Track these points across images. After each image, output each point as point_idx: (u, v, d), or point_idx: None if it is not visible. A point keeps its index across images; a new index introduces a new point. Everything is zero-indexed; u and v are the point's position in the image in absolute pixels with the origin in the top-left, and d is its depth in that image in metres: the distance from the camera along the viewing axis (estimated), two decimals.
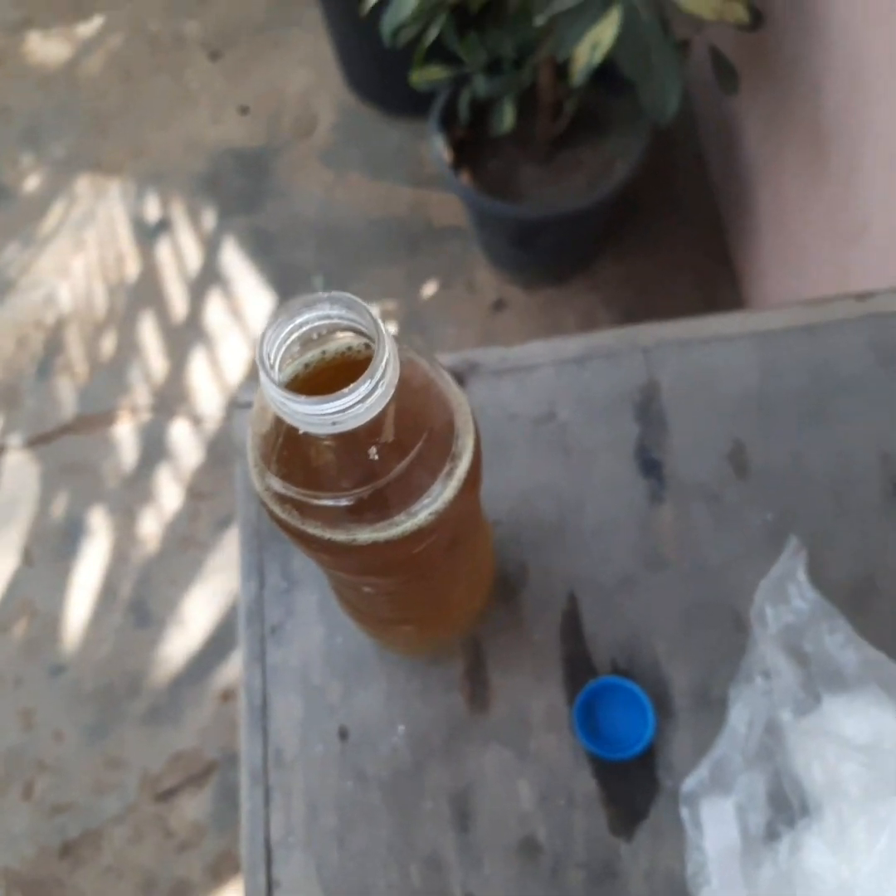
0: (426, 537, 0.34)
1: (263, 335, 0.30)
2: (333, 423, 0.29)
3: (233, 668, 1.16)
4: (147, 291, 1.38)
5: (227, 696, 1.15)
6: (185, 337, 1.35)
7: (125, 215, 1.42)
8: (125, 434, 1.29)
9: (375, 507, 0.32)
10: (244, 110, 1.48)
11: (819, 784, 0.41)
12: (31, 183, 1.47)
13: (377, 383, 0.29)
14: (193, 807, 1.10)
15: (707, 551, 0.52)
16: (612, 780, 0.47)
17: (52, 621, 1.20)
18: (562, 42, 0.93)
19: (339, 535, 0.33)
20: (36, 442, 1.30)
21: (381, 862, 0.47)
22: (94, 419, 1.30)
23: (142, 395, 1.31)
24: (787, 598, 0.44)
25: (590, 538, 0.53)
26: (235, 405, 0.59)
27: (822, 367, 0.55)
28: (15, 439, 1.31)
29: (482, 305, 1.35)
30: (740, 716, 0.44)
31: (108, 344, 1.34)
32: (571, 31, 0.91)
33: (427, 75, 1.16)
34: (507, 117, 1.14)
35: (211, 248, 1.39)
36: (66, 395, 1.32)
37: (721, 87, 1.08)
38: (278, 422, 0.31)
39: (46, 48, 1.60)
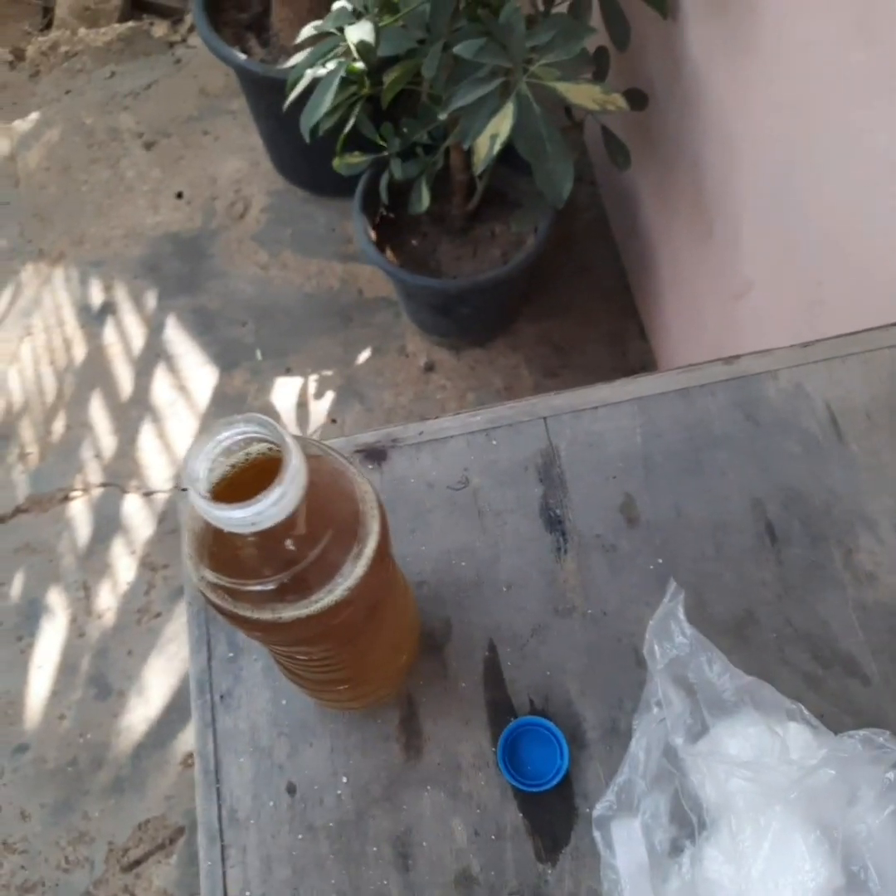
0: (343, 610, 0.40)
1: (188, 453, 0.36)
2: (252, 524, 0.35)
3: (192, 735, 1.19)
4: (94, 372, 1.42)
5: (190, 761, 1.18)
6: (132, 414, 1.40)
7: (70, 301, 1.48)
8: (78, 511, 1.33)
9: (295, 589, 0.38)
10: (179, 196, 1.56)
11: (712, 800, 0.47)
12: None
13: (287, 488, 0.35)
14: (162, 875, 1.12)
15: (607, 596, 0.58)
16: (536, 812, 0.53)
17: (12, 701, 1.22)
18: (465, 133, 1.02)
19: (266, 615, 0.39)
20: None
21: None
22: (47, 499, 1.34)
23: (93, 473, 1.35)
24: (671, 635, 0.51)
25: (504, 591, 0.59)
26: (181, 488, 0.65)
27: (697, 426, 0.63)
28: None
29: (414, 369, 1.43)
30: (640, 743, 0.50)
31: (59, 425, 1.38)
32: (473, 124, 1.01)
33: (348, 161, 1.26)
34: (423, 197, 1.23)
35: (154, 329, 1.45)
36: (19, 478, 1.35)
37: (614, 163, 1.19)
38: (207, 523, 0.37)
39: None
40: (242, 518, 0.35)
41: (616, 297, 1.45)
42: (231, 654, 0.59)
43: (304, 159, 1.51)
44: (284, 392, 1.41)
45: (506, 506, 0.62)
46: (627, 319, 1.43)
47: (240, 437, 0.38)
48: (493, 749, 0.55)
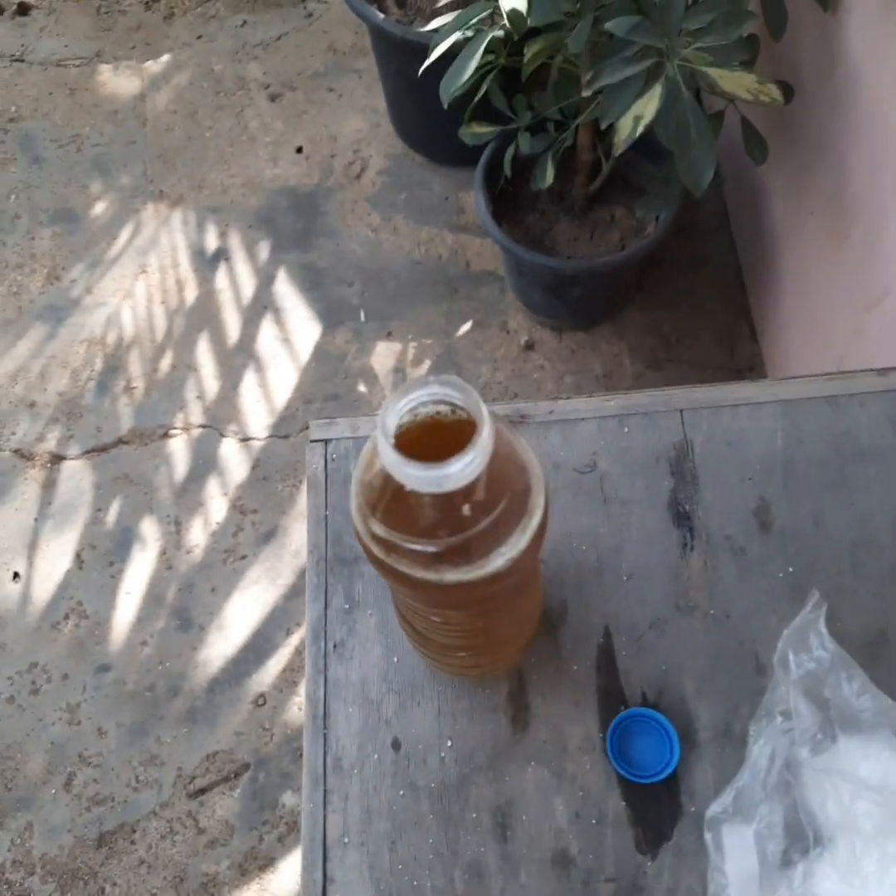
0: (502, 580, 0.40)
1: (386, 407, 0.37)
2: (438, 485, 0.36)
3: (267, 675, 1.23)
4: (203, 316, 1.46)
5: (261, 701, 1.22)
6: (236, 360, 1.43)
7: (185, 244, 1.51)
8: (177, 448, 1.37)
9: (463, 553, 0.39)
10: (299, 151, 1.57)
11: (833, 818, 0.46)
12: (99, 209, 1.56)
13: (476, 455, 0.35)
14: (224, 806, 1.16)
15: (732, 598, 0.57)
16: (640, 803, 0.53)
17: (99, 623, 1.27)
18: (606, 113, 1.00)
19: (430, 575, 0.39)
20: (92, 452, 1.38)
21: (428, 866, 0.52)
22: (149, 433, 1.38)
23: (194, 414, 1.39)
24: (809, 647, 0.50)
25: (625, 581, 0.59)
26: (312, 440, 0.66)
27: (843, 437, 0.61)
28: (73, 449, 1.38)
29: (514, 346, 1.42)
30: (762, 751, 0.49)
31: (165, 363, 1.42)
32: (616, 103, 0.98)
33: (475, 131, 1.25)
34: (547, 174, 1.21)
35: (264, 279, 1.47)
36: (124, 410, 1.40)
37: (751, 156, 1.15)
38: (386, 476, 0.37)
39: (116, 81, 1.69)
40: (431, 477, 0.35)
41: (730, 295, 1.41)
42: (347, 606, 0.60)
43: (426, 124, 1.51)
44: (384, 355, 1.42)
45: (633, 495, 0.61)
46: (739, 318, 1.39)
47: (431, 398, 0.38)
48: (601, 735, 0.55)
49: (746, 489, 0.61)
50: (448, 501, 0.37)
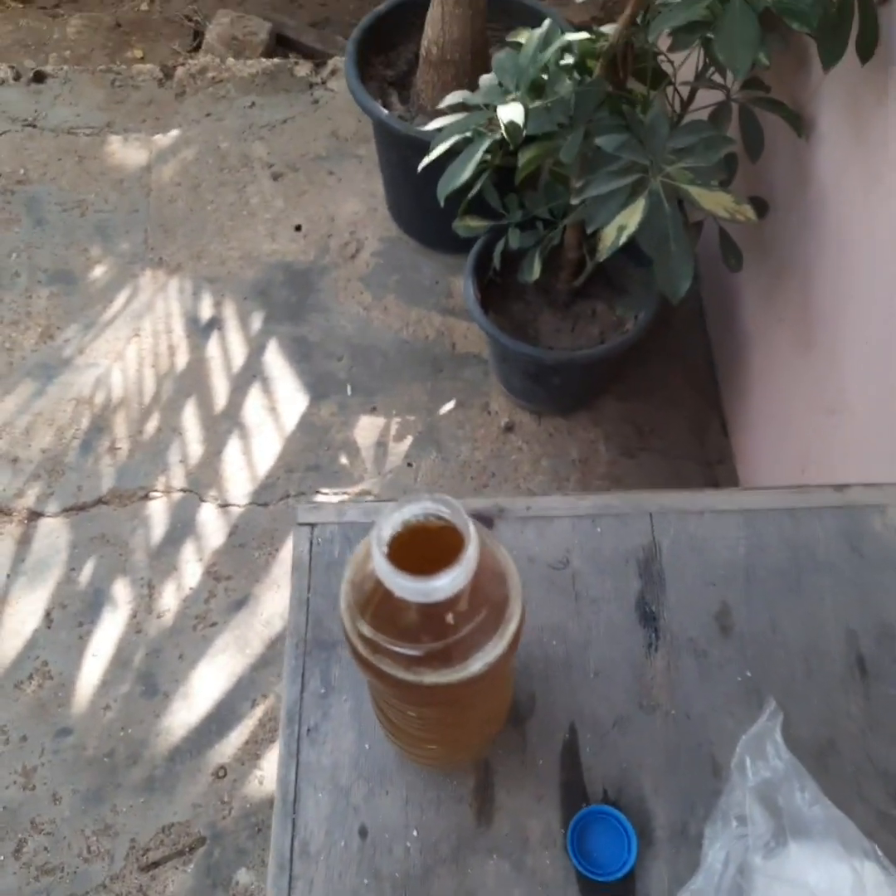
0: (479, 682, 0.43)
1: (382, 520, 0.40)
2: (425, 596, 0.39)
3: (230, 747, 1.21)
4: (192, 382, 1.49)
5: (222, 772, 1.20)
6: (222, 427, 1.45)
7: (180, 311, 1.55)
8: (156, 511, 1.38)
9: (444, 658, 0.41)
10: (298, 229, 1.63)
11: None
12: (97, 272, 1.60)
13: (462, 570, 0.38)
14: (176, 881, 1.13)
15: (692, 699, 0.60)
16: None
17: (63, 684, 1.26)
18: (592, 219, 1.06)
19: (410, 676, 0.42)
20: (71, 511, 1.38)
21: None
22: (129, 494, 1.39)
23: (176, 477, 1.41)
24: (765, 755, 0.52)
25: (592, 678, 0.61)
26: (299, 523, 0.68)
27: (802, 548, 0.65)
28: (52, 506, 1.39)
29: (494, 427, 1.46)
30: (717, 855, 0.51)
31: (151, 426, 1.44)
32: (602, 212, 1.05)
33: (468, 224, 1.31)
34: (535, 269, 1.27)
35: (255, 350, 1.51)
36: (106, 470, 1.41)
37: (726, 264, 1.23)
38: (376, 581, 0.40)
39: (124, 151, 1.76)
40: (420, 589, 0.38)
41: (703, 389, 1.47)
42: (323, 691, 0.62)
43: (420, 212, 1.58)
44: (367, 429, 1.46)
45: (603, 593, 0.64)
46: (711, 412, 1.45)
47: (423, 512, 0.41)
48: (562, 830, 0.56)
49: (709, 593, 0.63)
50: (433, 609, 0.39)
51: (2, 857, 1.15)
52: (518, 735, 0.59)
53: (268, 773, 1.20)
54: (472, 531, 0.39)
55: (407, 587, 0.38)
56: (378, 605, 0.41)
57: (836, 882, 0.48)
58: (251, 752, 1.22)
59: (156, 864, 1.15)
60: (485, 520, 0.69)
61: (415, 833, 0.57)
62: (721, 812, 0.53)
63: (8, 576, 1.34)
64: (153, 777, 1.20)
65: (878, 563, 0.64)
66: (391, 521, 0.40)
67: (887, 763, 0.57)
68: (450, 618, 0.40)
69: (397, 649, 0.41)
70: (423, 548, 0.41)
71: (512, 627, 0.43)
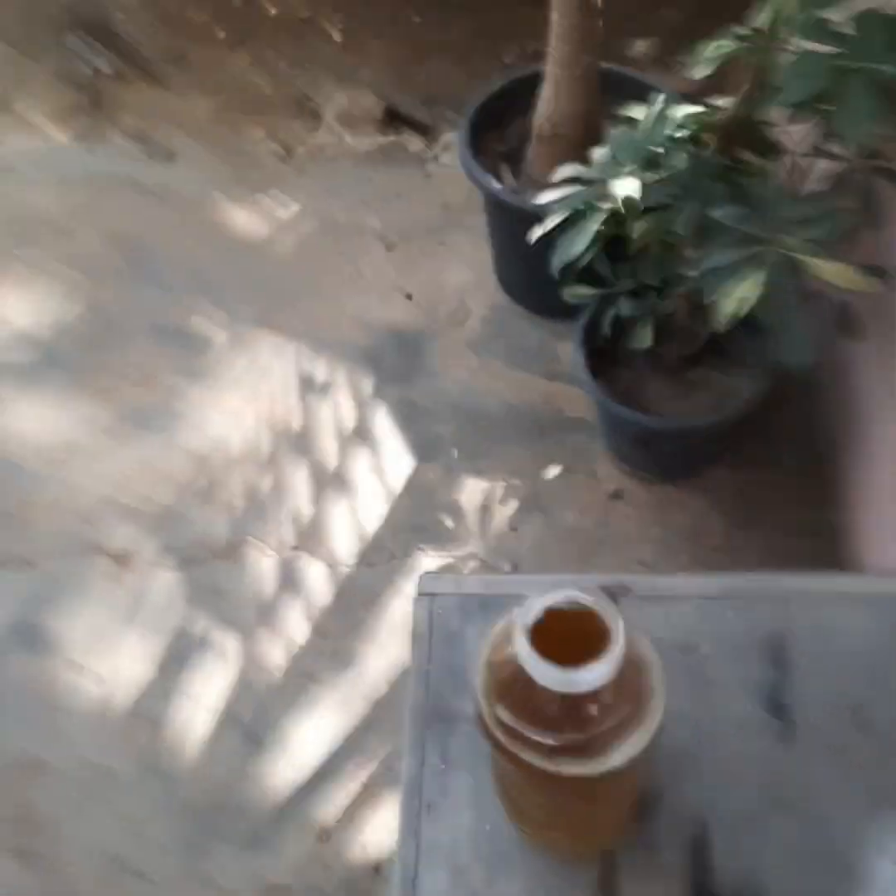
0: (618, 776, 0.42)
1: (528, 606, 0.40)
2: (571, 686, 0.39)
3: (333, 808, 1.22)
4: (305, 443, 1.54)
5: (324, 837, 1.20)
6: (331, 487, 1.50)
7: (295, 373, 1.62)
8: (267, 568, 1.42)
9: (583, 749, 0.41)
10: (408, 297, 1.69)
11: None
12: (218, 335, 1.69)
13: (610, 663, 0.38)
14: None
15: (829, 801, 0.57)
16: None
17: (173, 734, 1.29)
18: (708, 290, 1.06)
19: (548, 766, 0.41)
20: (186, 563, 1.44)
21: None
22: (242, 549, 1.44)
23: (287, 535, 1.45)
24: None
25: (721, 769, 0.59)
26: (419, 594, 0.69)
27: None
28: (169, 559, 1.45)
29: (601, 493, 1.45)
30: None
31: (265, 484, 1.50)
32: (718, 283, 1.04)
33: (577, 293, 1.33)
34: (646, 337, 1.27)
35: (364, 412, 1.56)
36: (221, 525, 1.47)
37: (846, 334, 1.19)
38: (516, 666, 0.40)
39: (247, 223, 1.87)
40: (565, 680, 0.38)
41: (819, 463, 1.42)
42: (443, 766, 0.61)
43: (527, 281, 1.61)
44: (472, 492, 1.47)
45: (732, 680, 0.62)
46: (828, 491, 1.40)
47: (567, 602, 0.41)
48: None
49: (845, 686, 0.61)
50: (577, 700, 0.39)
51: None
52: (644, 826, 0.58)
53: (371, 840, 1.19)
54: (620, 625, 0.39)
55: (552, 677, 0.38)
56: (519, 691, 0.41)
57: None
58: (354, 816, 1.21)
59: None
60: (610, 596, 0.68)
61: None
62: None
63: (123, 624, 1.40)
64: (257, 835, 1.21)
65: None
66: (535, 609, 0.41)
67: None
68: (593, 709, 0.40)
69: (537, 738, 0.41)
70: (565, 631, 0.41)
71: (655, 721, 0.42)
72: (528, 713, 0.41)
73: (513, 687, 0.41)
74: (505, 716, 0.42)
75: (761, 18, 1.01)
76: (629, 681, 0.40)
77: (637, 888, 0.56)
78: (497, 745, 0.43)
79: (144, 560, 1.46)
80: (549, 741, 0.41)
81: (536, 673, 0.39)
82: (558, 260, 1.14)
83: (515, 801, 0.53)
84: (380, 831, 1.19)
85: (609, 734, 0.40)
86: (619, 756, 0.41)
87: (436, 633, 0.67)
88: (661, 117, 1.14)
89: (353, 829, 1.21)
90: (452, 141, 1.86)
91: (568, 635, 0.40)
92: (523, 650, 0.38)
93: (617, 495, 1.44)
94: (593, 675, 0.37)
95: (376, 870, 1.15)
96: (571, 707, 0.40)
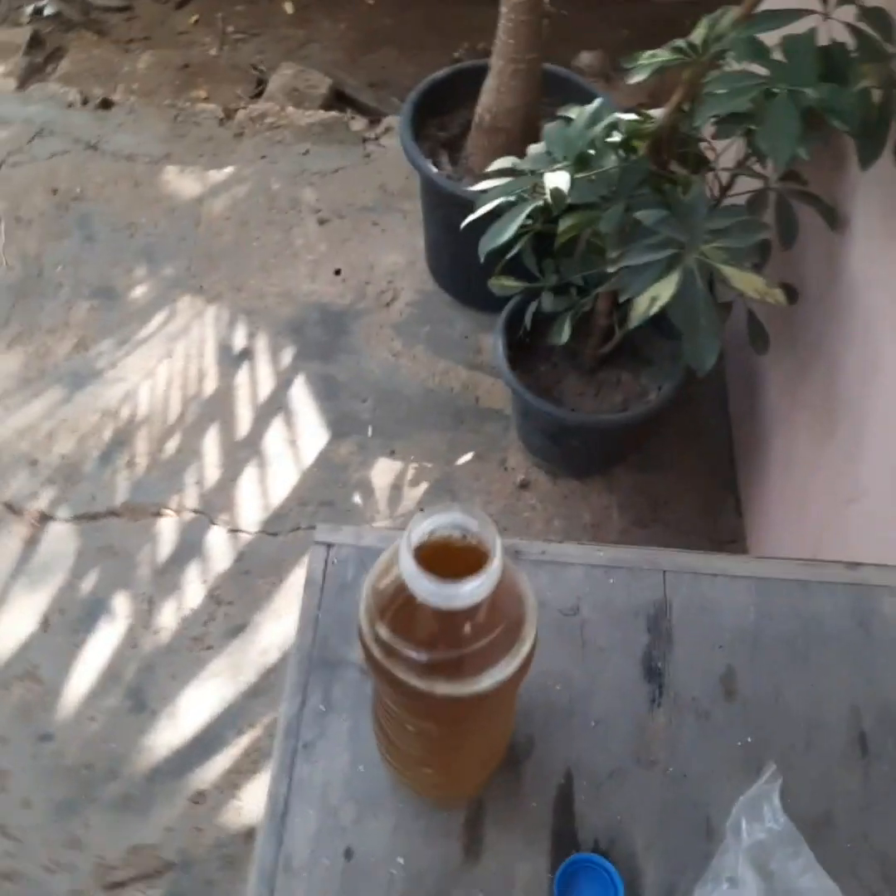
0: (485, 701, 0.43)
1: (414, 523, 0.41)
2: (448, 601, 0.40)
3: (210, 773, 1.20)
4: (217, 408, 1.52)
5: (198, 799, 1.18)
6: (240, 454, 1.47)
7: (214, 338, 1.59)
8: (166, 529, 1.39)
9: (456, 668, 0.42)
10: (337, 273, 1.68)
11: None
12: (139, 292, 1.65)
13: (487, 579, 0.39)
14: None
15: (691, 759, 0.60)
16: None
17: (51, 691, 1.25)
18: (626, 288, 1.09)
19: (421, 684, 0.42)
20: (82, 519, 1.40)
21: None
22: (141, 509, 1.41)
23: (190, 498, 1.42)
24: (762, 817, 0.52)
25: (592, 726, 0.61)
26: (316, 542, 0.69)
27: (811, 620, 0.65)
28: (64, 512, 1.40)
29: (509, 483, 1.48)
30: None
31: (171, 445, 1.47)
32: (636, 282, 1.08)
33: (503, 284, 1.35)
34: (564, 332, 1.31)
35: (282, 383, 1.55)
36: (121, 483, 1.43)
37: (753, 346, 1.25)
38: (399, 585, 0.41)
39: (179, 182, 1.83)
40: (443, 593, 0.39)
41: (719, 468, 1.49)
42: (322, 708, 0.62)
43: (457, 269, 1.63)
44: (384, 472, 1.47)
45: (610, 644, 0.65)
46: (726, 491, 1.46)
47: (452, 522, 0.42)
48: (550, 876, 0.56)
49: (716, 655, 0.64)
50: (452, 617, 0.40)
51: None
52: (513, 777, 0.59)
53: (247, 805, 1.18)
54: (498, 544, 0.40)
55: (430, 590, 0.39)
56: (399, 608, 0.42)
57: None
58: (232, 782, 1.20)
59: (120, 885, 1.12)
60: None
61: (400, 861, 0.56)
62: (713, 873, 0.53)
63: (11, 575, 1.35)
64: (129, 795, 1.18)
65: (885, 644, 0.64)
66: (423, 526, 0.42)
67: (884, 844, 0.57)
68: (467, 628, 0.41)
69: (412, 654, 0.42)
70: (448, 564, 0.42)
71: (525, 649, 0.44)
72: (405, 630, 0.42)
73: (394, 605, 0.42)
74: (383, 632, 0.43)
75: (696, 34, 1.05)
76: (504, 604, 0.42)
77: (501, 834, 0.57)
78: (374, 663, 0.44)
79: (38, 511, 1.40)
80: (424, 658, 0.42)
81: (416, 586, 0.39)
82: (485, 245, 1.15)
83: (389, 735, 0.54)
84: (258, 798, 1.18)
85: (481, 656, 0.42)
86: (488, 679, 0.42)
87: (329, 581, 0.67)
88: (595, 119, 1.18)
89: (229, 794, 1.19)
90: (395, 125, 1.87)
91: (452, 569, 0.41)
92: (406, 564, 0.39)
93: (524, 485, 1.47)
94: (468, 589, 0.38)
95: (250, 835, 1.14)
96: (447, 624, 0.41)
